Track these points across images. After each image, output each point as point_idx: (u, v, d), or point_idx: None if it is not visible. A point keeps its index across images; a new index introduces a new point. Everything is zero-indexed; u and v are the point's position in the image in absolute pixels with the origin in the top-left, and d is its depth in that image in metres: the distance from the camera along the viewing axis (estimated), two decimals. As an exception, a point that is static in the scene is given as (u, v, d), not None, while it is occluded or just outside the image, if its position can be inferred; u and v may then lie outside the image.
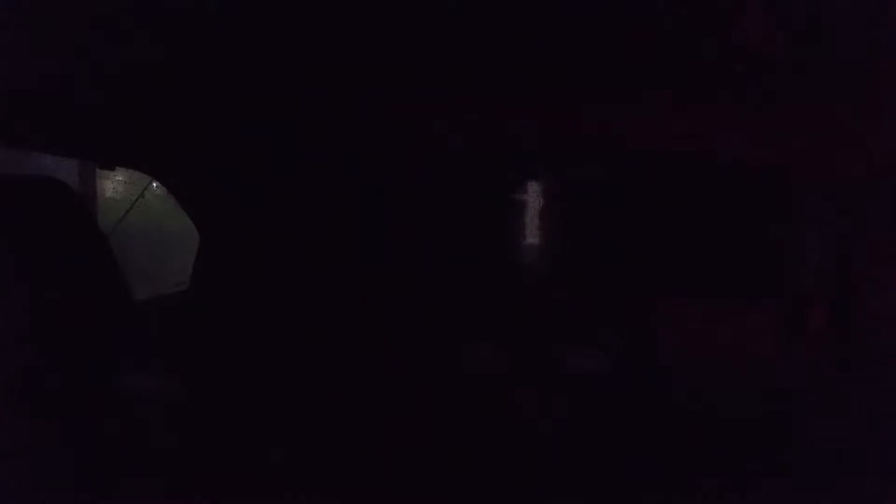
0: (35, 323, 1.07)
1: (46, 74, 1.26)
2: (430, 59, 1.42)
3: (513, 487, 1.33)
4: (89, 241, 1.21)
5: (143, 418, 1.22)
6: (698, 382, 1.55)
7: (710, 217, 1.73)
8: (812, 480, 1.23)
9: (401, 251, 1.83)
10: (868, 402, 1.32)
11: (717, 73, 1.46)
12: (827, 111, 1.44)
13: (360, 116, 1.71)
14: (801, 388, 1.44)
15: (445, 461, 1.42)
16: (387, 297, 1.79)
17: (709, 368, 1.55)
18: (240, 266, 2.00)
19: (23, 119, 1.35)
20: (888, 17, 1.15)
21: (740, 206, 1.68)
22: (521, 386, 1.67)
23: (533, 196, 1.94)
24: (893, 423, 1.25)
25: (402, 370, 1.68)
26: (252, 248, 1.99)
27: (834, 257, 1.52)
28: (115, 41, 1.19)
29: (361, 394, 1.57)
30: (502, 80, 1.55)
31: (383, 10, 1.18)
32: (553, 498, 1.30)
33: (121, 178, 6.36)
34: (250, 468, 1.22)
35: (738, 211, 1.69)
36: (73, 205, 1.20)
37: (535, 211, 1.94)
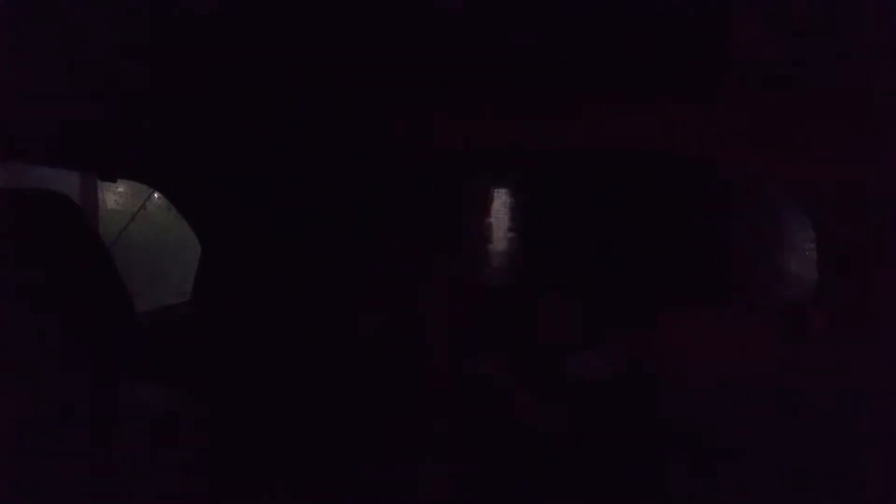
0: (36, 334, 1.07)
1: (44, 84, 1.26)
2: (431, 58, 1.42)
3: (513, 490, 1.33)
4: (91, 253, 1.21)
5: (145, 426, 1.22)
6: (698, 387, 1.55)
7: (713, 222, 1.73)
8: (813, 482, 1.23)
9: (402, 253, 1.83)
10: (868, 404, 1.32)
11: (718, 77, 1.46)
12: (826, 115, 1.44)
13: (360, 117, 1.71)
14: (802, 391, 1.44)
15: (445, 463, 1.43)
16: (387, 300, 1.79)
17: (709, 374, 1.55)
18: (242, 275, 2.00)
19: (22, 131, 1.36)
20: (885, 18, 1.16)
21: (742, 210, 1.68)
22: (522, 389, 1.67)
23: (532, 198, 1.94)
24: (893, 423, 1.25)
25: (403, 373, 1.68)
26: (254, 257, 1.99)
27: (835, 259, 1.52)
28: (112, 47, 1.19)
29: (363, 396, 1.58)
30: (500, 80, 1.55)
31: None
32: (553, 500, 1.30)
33: (122, 190, 6.39)
34: (250, 469, 1.22)
35: (739, 216, 1.69)
36: (75, 217, 1.21)
37: (535, 212, 1.93)
